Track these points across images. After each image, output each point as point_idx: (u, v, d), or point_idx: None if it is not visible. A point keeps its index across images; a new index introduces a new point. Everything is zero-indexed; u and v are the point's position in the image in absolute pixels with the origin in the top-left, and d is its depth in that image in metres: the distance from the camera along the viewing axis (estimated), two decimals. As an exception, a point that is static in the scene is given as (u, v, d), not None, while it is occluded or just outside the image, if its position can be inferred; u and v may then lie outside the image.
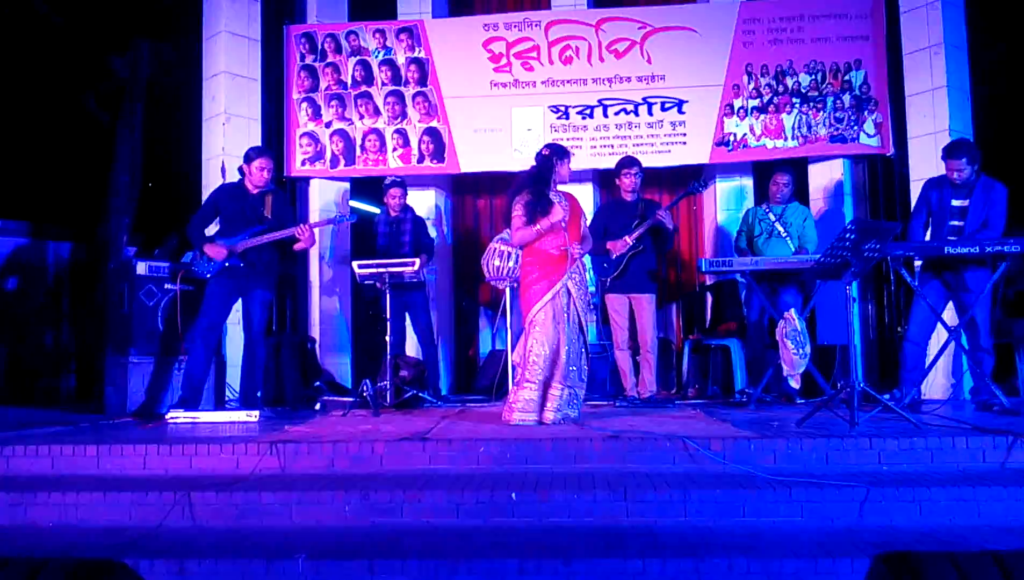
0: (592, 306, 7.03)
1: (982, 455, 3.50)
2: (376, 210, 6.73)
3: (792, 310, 4.95)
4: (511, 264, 5.61)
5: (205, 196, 6.46)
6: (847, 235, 4.09)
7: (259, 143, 6.61)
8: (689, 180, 5.87)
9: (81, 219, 9.28)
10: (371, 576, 2.78)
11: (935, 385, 5.72)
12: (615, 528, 3.08)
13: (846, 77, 6.53)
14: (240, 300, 5.35)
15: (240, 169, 5.40)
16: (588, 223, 5.88)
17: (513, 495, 3.23)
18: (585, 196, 7.24)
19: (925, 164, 6.05)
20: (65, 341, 8.72)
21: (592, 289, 5.62)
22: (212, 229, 5.37)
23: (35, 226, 8.92)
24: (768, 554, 2.74)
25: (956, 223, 5.09)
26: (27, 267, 8.78)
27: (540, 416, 4.46)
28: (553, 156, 4.69)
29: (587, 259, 5.69)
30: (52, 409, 6.46)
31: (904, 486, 3.16)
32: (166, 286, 5.80)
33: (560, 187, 4.78)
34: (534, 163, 4.72)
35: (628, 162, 5.83)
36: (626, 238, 5.61)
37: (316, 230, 5.51)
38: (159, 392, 5.61)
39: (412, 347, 6.54)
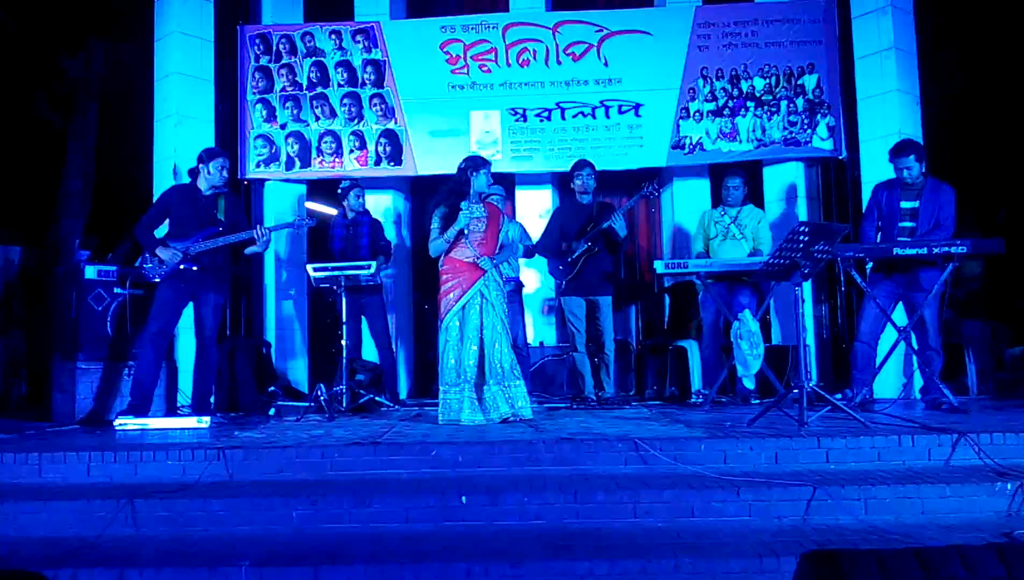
0: (547, 306, 7.06)
1: (928, 453, 3.56)
2: (333, 212, 6.67)
3: (746, 311, 5.00)
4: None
5: (156, 198, 6.36)
6: (797, 237, 4.13)
7: (212, 144, 6.51)
8: (645, 181, 5.90)
9: (32, 223, 9.08)
10: (316, 583, 2.74)
11: (886, 384, 5.80)
12: (565, 530, 3.08)
13: (799, 81, 6.62)
14: (192, 304, 5.25)
15: (192, 170, 5.31)
16: (545, 225, 5.92)
17: (463, 499, 3.21)
18: (543, 199, 7.25)
19: (877, 167, 6.13)
20: (16, 347, 8.52)
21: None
22: (160, 232, 5.27)
23: (-15, 230, 8.71)
24: (715, 554, 2.75)
25: (907, 224, 5.16)
26: (-25, 272, 8.57)
27: (474, 415, 4.66)
28: (468, 168, 4.87)
29: (540, 261, 5.75)
30: (1, 417, 6.28)
31: (850, 484, 3.19)
32: (115, 290, 5.68)
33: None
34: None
35: (580, 165, 5.86)
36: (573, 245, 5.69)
37: (271, 233, 5.44)
38: (108, 398, 5.48)
39: (372, 351, 6.48)
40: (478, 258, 4.77)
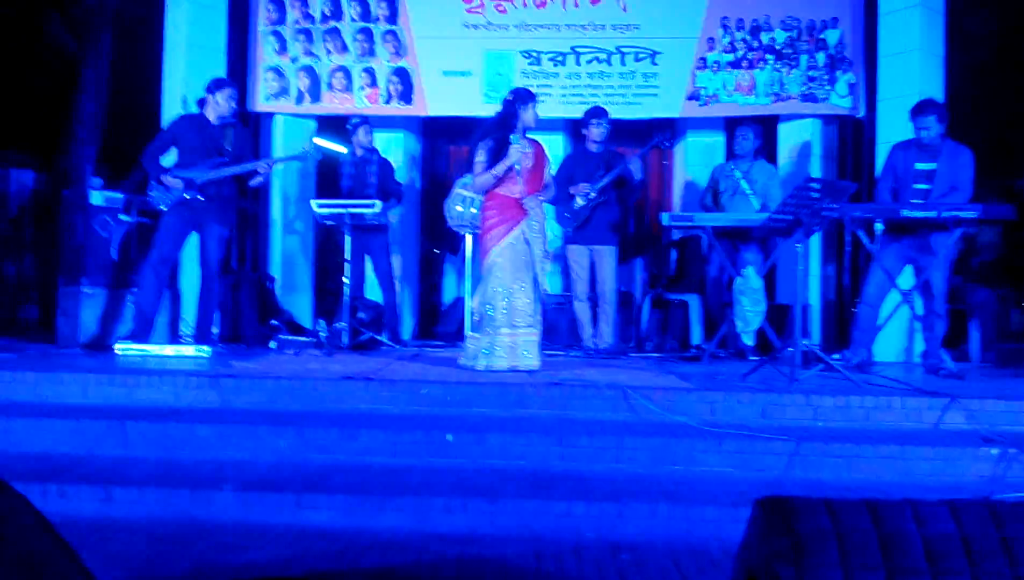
0: (551, 255, 7.03)
1: (917, 415, 3.55)
2: (343, 149, 6.62)
3: (750, 268, 4.97)
4: (473, 210, 5.55)
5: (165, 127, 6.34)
6: (802, 193, 4.08)
7: (222, 75, 6.45)
8: (659, 134, 5.82)
9: (45, 148, 9.09)
10: (297, 510, 2.80)
11: (889, 348, 5.77)
12: (547, 472, 3.11)
13: (822, 35, 6.45)
14: (197, 235, 5.27)
15: (200, 100, 5.27)
16: (553, 172, 5.84)
17: (449, 436, 3.24)
18: (554, 145, 7.15)
19: (894, 127, 5.99)
20: (27, 271, 8.60)
21: (551, 238, 5.58)
22: (168, 161, 5.27)
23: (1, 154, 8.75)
24: (691, 501, 2.78)
25: (922, 186, 5.07)
26: (-13, 194, 8.63)
27: (494, 361, 4.43)
28: (517, 101, 4.63)
29: (547, 208, 5.63)
30: (9, 338, 6.37)
31: (835, 442, 3.20)
32: (121, 217, 5.70)
33: (530, 134, 4.74)
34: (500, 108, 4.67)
35: (596, 112, 5.77)
36: (583, 186, 5.57)
37: (275, 166, 5.41)
38: (111, 324, 5.54)
39: (375, 290, 6.49)
40: (525, 196, 4.56)
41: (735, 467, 3.12)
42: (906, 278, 5.21)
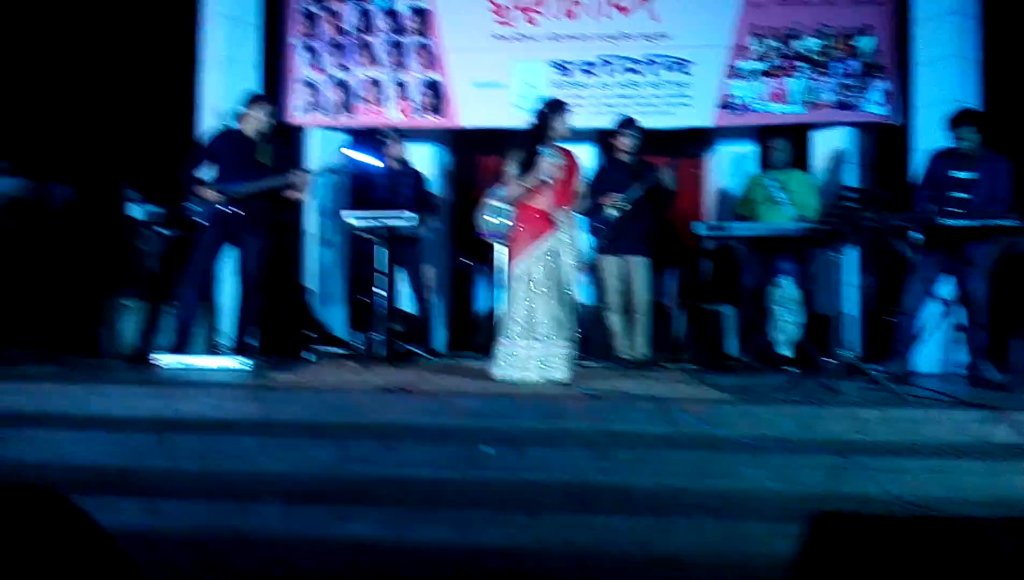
0: (584, 266, 7.02)
1: (963, 428, 3.49)
2: (376, 162, 6.68)
3: (788, 278, 4.93)
4: (505, 221, 5.56)
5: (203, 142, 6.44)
6: (841, 203, 4.05)
7: (257, 89, 6.53)
8: (690, 144, 5.80)
9: (85, 163, 9.25)
10: (341, 523, 2.82)
11: (929, 358, 5.68)
12: (587, 485, 3.10)
13: (855, 43, 6.39)
14: (234, 247, 5.34)
15: (237, 114, 5.35)
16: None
17: (490, 450, 3.24)
18: (585, 156, 7.15)
19: (931, 135, 5.92)
20: (64, 284, 8.75)
21: (577, 250, 5.56)
22: (208, 174, 5.34)
23: (38, 168, 8.90)
24: (735, 516, 2.75)
25: (960, 196, 5.02)
26: (28, 209, 8.79)
27: (524, 373, 4.45)
28: (549, 111, 4.64)
29: (581, 219, 5.63)
30: (48, 351, 6.48)
31: (880, 456, 3.16)
32: (161, 231, 5.79)
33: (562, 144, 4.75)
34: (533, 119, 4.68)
35: (626, 122, 5.77)
36: (614, 197, 5.55)
37: (310, 179, 5.47)
38: (151, 336, 5.62)
39: (410, 301, 6.52)
40: (555, 208, 4.57)
41: (778, 481, 3.09)
42: (946, 288, 5.14)
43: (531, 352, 4.47)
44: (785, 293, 4.80)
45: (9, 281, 8.25)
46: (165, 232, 5.78)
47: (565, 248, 4.58)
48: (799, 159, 5.99)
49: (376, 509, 2.82)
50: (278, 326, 6.26)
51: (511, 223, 4.74)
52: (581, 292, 7.09)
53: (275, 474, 3.21)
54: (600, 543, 2.68)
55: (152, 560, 2.60)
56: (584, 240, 6.63)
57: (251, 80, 6.60)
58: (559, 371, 4.50)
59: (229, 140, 5.33)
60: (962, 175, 5.01)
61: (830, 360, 4.23)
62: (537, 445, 3.29)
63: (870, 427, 3.50)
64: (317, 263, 7.12)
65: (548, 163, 4.52)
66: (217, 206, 5.12)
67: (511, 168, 4.62)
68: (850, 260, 6.28)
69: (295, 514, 2.83)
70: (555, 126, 4.62)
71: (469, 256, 7.89)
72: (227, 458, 3.31)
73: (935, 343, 5.62)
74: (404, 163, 6.28)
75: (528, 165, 4.56)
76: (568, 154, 4.74)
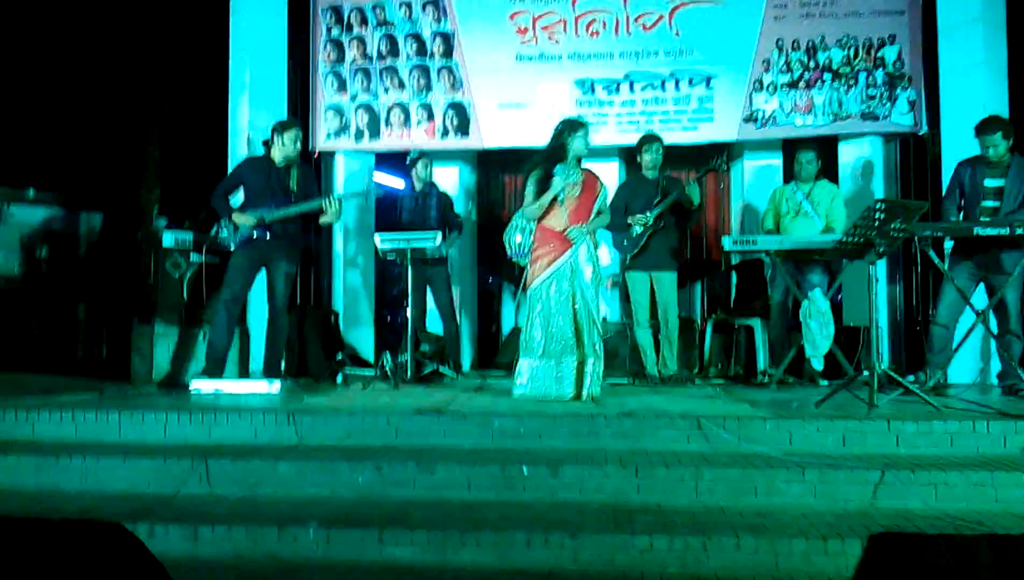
0: (611, 281, 7.01)
1: (1003, 440, 3.45)
2: (401, 184, 6.73)
3: (817, 290, 4.89)
4: (530, 240, 5.59)
5: (231, 169, 6.52)
6: (872, 214, 4.02)
7: (285, 116, 6.63)
8: (715, 157, 5.80)
9: (112, 190, 9.39)
10: (380, 545, 2.82)
11: (962, 369, 5.61)
12: (624, 505, 3.08)
13: (879, 53, 6.37)
14: (264, 272, 5.40)
15: (266, 141, 5.42)
16: (610, 199, 5.83)
17: (524, 470, 3.24)
18: (610, 172, 7.16)
19: (959, 143, 5.88)
20: (96, 310, 8.85)
21: (609, 265, 5.57)
22: (237, 200, 5.41)
23: (67, 196, 9.05)
24: (778, 534, 2.72)
25: (990, 204, 4.98)
26: (60, 237, 8.92)
27: (548, 390, 4.50)
28: (566, 130, 4.68)
29: (604, 234, 5.63)
30: (81, 377, 6.57)
31: (920, 469, 3.12)
32: (191, 257, 5.86)
33: (586, 163, 4.77)
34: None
35: (649, 139, 5.79)
36: (639, 217, 5.56)
37: (341, 204, 5.52)
38: (184, 361, 5.68)
39: (436, 322, 6.55)
40: (568, 227, 4.59)
41: (818, 497, 3.06)
42: (978, 297, 5.08)
43: (547, 370, 4.52)
44: (815, 306, 4.75)
45: (41, 308, 8.39)
46: (196, 257, 5.84)
47: (582, 267, 4.60)
48: (825, 170, 5.96)
49: (416, 532, 2.82)
50: (307, 349, 6.31)
51: (533, 242, 4.77)
52: (607, 308, 7.12)
53: (313, 498, 3.23)
54: (642, 564, 2.67)
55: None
56: (609, 256, 6.66)
57: (279, 107, 6.70)
58: (588, 387, 4.51)
59: (258, 166, 5.40)
60: (991, 183, 4.96)
61: (864, 372, 4.19)
62: (572, 464, 3.28)
63: (907, 440, 3.47)
64: (343, 286, 7.17)
65: (560, 183, 4.56)
66: (248, 232, 5.18)
67: (530, 188, 4.68)
68: (880, 271, 6.24)
69: (335, 538, 2.84)
70: (573, 145, 4.65)
71: (495, 274, 7.93)
72: (265, 483, 3.33)
73: (968, 353, 5.55)
74: (430, 184, 6.33)
75: (545, 184, 4.61)
76: (588, 173, 4.76)
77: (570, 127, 4.69)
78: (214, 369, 5.20)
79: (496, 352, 7.50)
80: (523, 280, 4.80)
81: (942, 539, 1.30)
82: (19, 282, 8.61)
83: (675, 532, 2.76)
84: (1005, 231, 4.59)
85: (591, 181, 4.75)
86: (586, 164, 7.04)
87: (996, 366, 5.24)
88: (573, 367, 4.52)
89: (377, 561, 2.77)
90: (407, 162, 6.35)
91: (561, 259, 4.57)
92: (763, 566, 2.65)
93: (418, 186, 6.28)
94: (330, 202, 5.32)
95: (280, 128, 5.36)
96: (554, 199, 4.59)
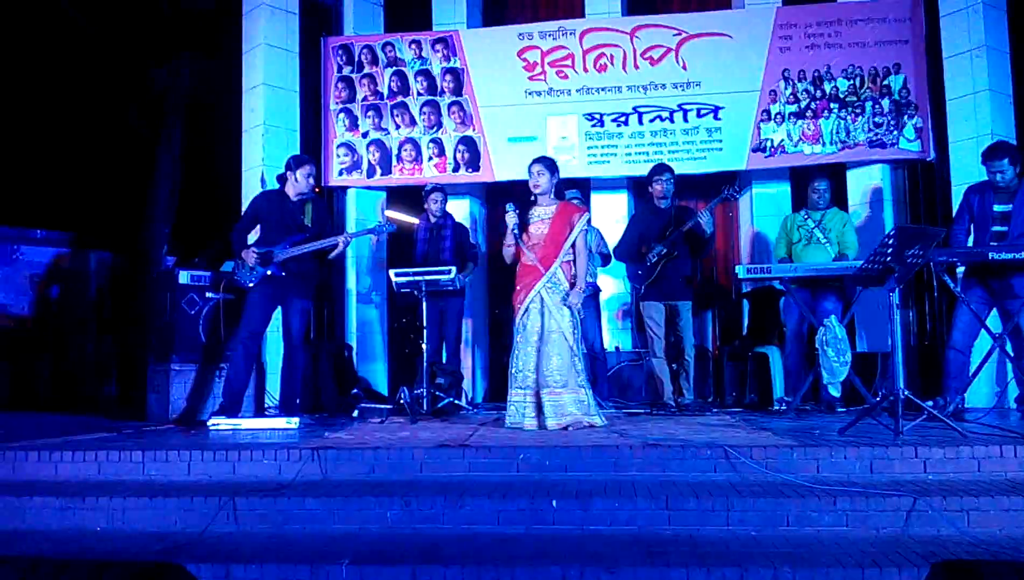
0: (620, 311, 7.03)
1: (1032, 464, 3.43)
2: (413, 220, 6.78)
3: (832, 317, 4.91)
4: None
5: (245, 205, 6.57)
6: (890, 241, 4.05)
7: (298, 152, 6.70)
8: (724, 187, 5.85)
9: (122, 229, 9.45)
10: (414, 582, 2.80)
11: (979, 393, 5.61)
12: (657, 537, 3.07)
13: (885, 82, 6.46)
14: (280, 308, 5.41)
15: (280, 177, 5.47)
16: (622, 231, 5.89)
17: (554, 503, 3.23)
18: (619, 204, 7.25)
19: (966, 169, 5.96)
20: (107, 349, 8.87)
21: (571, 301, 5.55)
22: (252, 237, 5.45)
23: (77, 236, 9.11)
24: (813, 564, 2.71)
25: (999, 229, 5.01)
26: (70, 276, 8.97)
27: (539, 422, 4.62)
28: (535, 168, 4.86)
29: (619, 266, 5.65)
30: (95, 416, 6.57)
31: (951, 495, 3.10)
32: (207, 295, 5.89)
33: (596, 195, 4.84)
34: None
35: (660, 169, 5.83)
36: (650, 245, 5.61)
37: (353, 241, 5.56)
38: (201, 399, 5.69)
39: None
40: (536, 261, 4.71)
41: (851, 526, 3.05)
42: (992, 321, 5.10)
43: (516, 399, 4.71)
44: (832, 332, 4.76)
45: (53, 348, 8.40)
46: (212, 295, 5.86)
47: (555, 300, 4.68)
48: (834, 197, 6.01)
49: (450, 568, 2.81)
50: (321, 384, 6.31)
51: None
52: (614, 338, 7.14)
53: (342, 534, 3.22)
54: (679, 596, 2.65)
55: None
56: (622, 286, 6.69)
57: (292, 144, 6.78)
58: (585, 414, 4.64)
59: (272, 200, 5.43)
60: (998, 208, 5.01)
61: (884, 398, 4.19)
62: (601, 496, 3.27)
63: (935, 466, 3.46)
64: (356, 320, 7.20)
65: (511, 218, 4.77)
66: (264, 269, 5.20)
67: (511, 217, 4.83)
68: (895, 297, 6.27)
69: (369, 575, 2.82)
70: (537, 182, 4.80)
71: (506, 306, 7.94)
72: (293, 520, 3.32)
73: (985, 377, 5.55)
74: (446, 216, 6.36)
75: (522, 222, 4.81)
76: (562, 205, 4.87)
77: (539, 164, 4.88)
78: (231, 406, 5.20)
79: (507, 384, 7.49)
80: None
81: (1010, 566, 1.31)
82: (30, 322, 8.65)
83: (710, 563, 2.75)
84: (1021, 256, 4.62)
85: (563, 213, 4.82)
86: (596, 195, 7.17)
87: (1014, 390, 5.24)
88: (561, 397, 4.64)
89: (412, 598, 2.75)
90: (423, 193, 6.38)
91: (531, 294, 4.71)
92: (801, 596, 2.63)
93: (432, 219, 6.32)
94: (344, 239, 5.36)
95: (294, 164, 5.40)
96: (522, 235, 4.78)
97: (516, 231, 4.78)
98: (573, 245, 4.77)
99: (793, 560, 2.76)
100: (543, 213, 4.81)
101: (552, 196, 4.86)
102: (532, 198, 4.88)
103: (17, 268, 8.89)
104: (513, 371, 4.77)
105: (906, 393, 3.97)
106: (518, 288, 4.80)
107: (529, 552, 2.95)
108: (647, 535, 3.10)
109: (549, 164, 4.89)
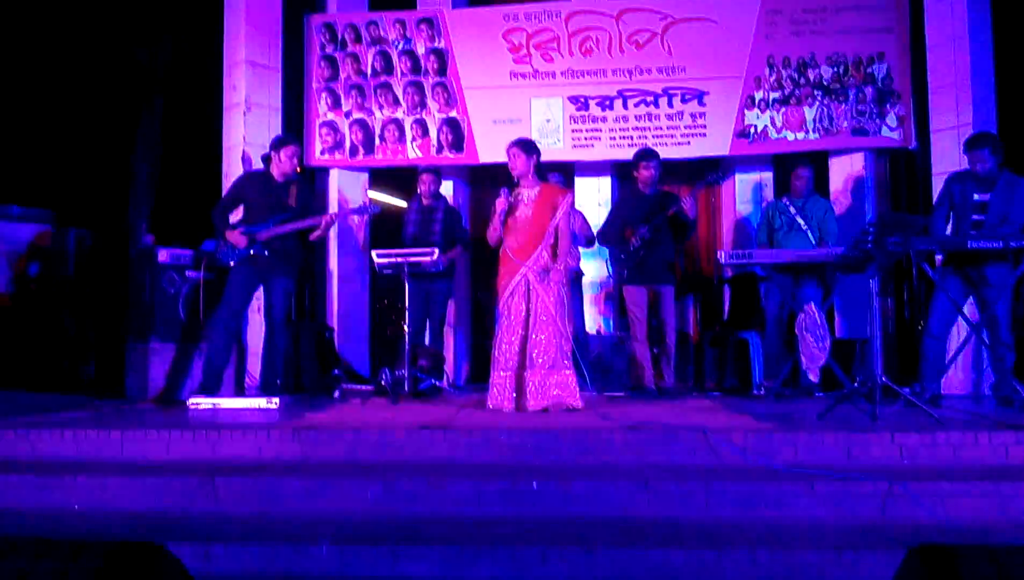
0: (604, 294, 7.05)
1: (1005, 451, 3.48)
2: (397, 202, 6.75)
3: (812, 303, 4.95)
4: None
5: (225, 184, 6.53)
6: (872, 229, 4.08)
7: (279, 132, 6.64)
8: (707, 172, 5.87)
9: (102, 207, 9.34)
10: (394, 562, 2.81)
11: (955, 380, 5.69)
12: (636, 519, 3.09)
13: (869, 69, 6.49)
14: (261, 288, 5.39)
15: (265, 157, 5.43)
16: (605, 214, 5.89)
17: (534, 484, 3.24)
18: (603, 187, 7.24)
19: (947, 158, 6.00)
20: (85, 328, 8.78)
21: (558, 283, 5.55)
22: (235, 217, 5.41)
23: (57, 214, 8.99)
24: (790, 547, 2.74)
25: (978, 217, 5.06)
26: (48, 254, 8.85)
27: (517, 404, 4.66)
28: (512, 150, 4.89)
29: (601, 249, 5.64)
30: (73, 394, 6.51)
31: (927, 480, 3.15)
32: (187, 274, 5.83)
33: (579, 178, 4.83)
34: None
35: (646, 154, 5.81)
36: (643, 227, 5.59)
37: (335, 221, 5.53)
38: (179, 378, 5.66)
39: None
40: (517, 245, 4.73)
41: (828, 509, 3.08)
42: (968, 309, 5.16)
43: (508, 382, 4.70)
44: (812, 318, 4.80)
45: (31, 325, 8.31)
46: (192, 274, 5.81)
47: (538, 279, 4.69)
48: (816, 184, 6.04)
49: (430, 548, 2.82)
50: (302, 365, 6.29)
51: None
52: (600, 322, 7.16)
53: (323, 514, 3.21)
54: (659, 577, 2.67)
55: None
56: (605, 269, 6.69)
57: (274, 124, 6.71)
58: (567, 396, 4.65)
59: (257, 181, 5.40)
60: (978, 197, 5.05)
61: (861, 384, 4.24)
62: (582, 478, 3.29)
63: (911, 452, 3.50)
64: (338, 301, 7.17)
65: (499, 200, 4.80)
66: (246, 248, 5.17)
67: (501, 197, 4.85)
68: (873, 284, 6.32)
69: (348, 555, 2.83)
70: (513, 164, 4.83)
71: (488, 289, 7.94)
72: (273, 500, 3.31)
73: (961, 365, 5.63)
74: (438, 198, 6.31)
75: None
76: (545, 187, 4.87)
77: (518, 147, 4.89)
78: (211, 385, 5.18)
79: (489, 365, 7.50)
80: None
81: (984, 550, 1.33)
82: (7, 299, 8.53)
83: (689, 546, 2.78)
84: (999, 245, 4.67)
85: (547, 196, 4.82)
86: (580, 179, 7.16)
87: (989, 377, 5.31)
88: (547, 379, 4.66)
89: (392, 577, 2.76)
90: (417, 174, 6.32)
91: (516, 277, 4.71)
92: (777, 578, 2.67)
93: (424, 201, 6.27)
94: (328, 218, 5.35)
95: (277, 144, 5.37)
96: (505, 216, 4.77)
97: (504, 218, 4.77)
98: (556, 227, 4.77)
99: (770, 543, 2.79)
100: (526, 195, 4.82)
101: (534, 177, 4.85)
102: (515, 181, 4.87)
103: (-8, 245, 8.76)
104: (496, 354, 4.77)
105: (883, 379, 4.01)
106: (502, 271, 4.80)
107: (509, 533, 2.97)
108: (627, 517, 3.12)
109: (524, 145, 4.88)
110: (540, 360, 4.65)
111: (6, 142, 9.14)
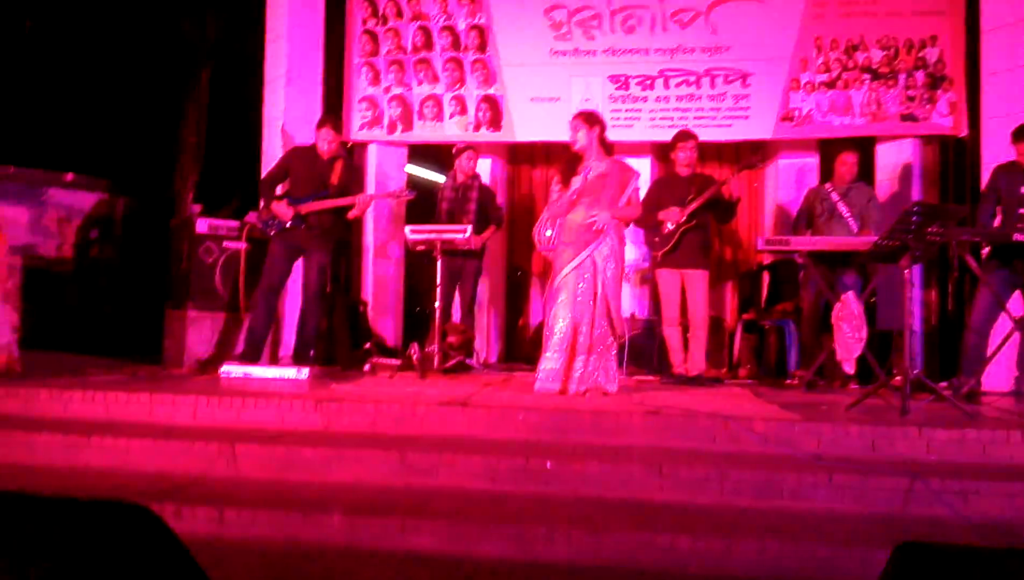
0: (640, 277, 6.97)
1: (1039, 450, 3.37)
2: (436, 178, 6.74)
3: (850, 293, 4.82)
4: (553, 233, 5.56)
5: (265, 157, 6.61)
6: (909, 218, 3.95)
7: (319, 106, 6.68)
8: (750, 156, 5.74)
9: (150, 177, 9.54)
10: (402, 534, 2.83)
11: (998, 376, 5.51)
12: (648, 503, 3.06)
13: (920, 53, 6.26)
14: (301, 260, 5.48)
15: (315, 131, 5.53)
16: (642, 196, 5.79)
17: (548, 464, 3.23)
18: (641, 169, 7.12)
19: (999, 147, 5.77)
20: (130, 293, 9.01)
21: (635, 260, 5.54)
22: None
23: (110, 182, 9.23)
24: (800, 538, 2.70)
25: (1024, 210, 4.88)
26: (96, 221, 9.09)
27: (563, 386, 4.48)
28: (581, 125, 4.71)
29: (635, 231, 5.57)
30: (114, 358, 6.68)
31: (951, 477, 3.06)
32: (224, 244, 5.93)
33: (624, 158, 4.77)
34: None
35: (684, 136, 5.70)
36: (677, 209, 5.48)
37: (372, 201, 5.59)
38: (216, 346, 5.77)
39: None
40: (586, 218, 4.54)
41: (846, 502, 3.02)
42: (1014, 304, 4.99)
43: (551, 365, 4.52)
44: (848, 308, 4.68)
45: (77, 290, 8.55)
46: (230, 244, 5.91)
47: (604, 261, 4.55)
48: (861, 171, 5.88)
49: (438, 522, 2.83)
50: (335, 337, 6.36)
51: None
52: (635, 305, 7.10)
53: (338, 484, 3.25)
54: (664, 562, 2.65)
55: (220, 570, 2.65)
56: (638, 253, 6.62)
57: (314, 97, 6.76)
58: (605, 382, 4.55)
59: (302, 157, 5.51)
60: None
61: (896, 377, 4.13)
62: (596, 460, 3.27)
63: (938, 447, 3.41)
64: (372, 276, 7.22)
65: (581, 177, 4.60)
66: (288, 221, 5.27)
67: (554, 185, 4.71)
68: (916, 275, 6.14)
69: (359, 525, 2.86)
70: (574, 138, 4.67)
71: (524, 268, 7.93)
72: (291, 468, 3.36)
73: (1003, 361, 5.45)
74: (473, 177, 6.29)
75: (567, 178, 4.64)
76: (614, 163, 4.73)
77: (584, 121, 4.72)
78: (251, 354, 5.31)
79: (523, 345, 7.50)
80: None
81: (971, 550, 1.28)
82: (55, 264, 8.78)
83: (699, 533, 2.74)
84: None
85: (616, 172, 4.69)
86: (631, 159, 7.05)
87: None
88: (602, 362, 4.55)
89: (398, 550, 2.78)
90: (453, 152, 6.32)
91: (585, 253, 4.53)
92: (786, 571, 2.62)
93: (460, 178, 6.26)
94: (362, 200, 5.41)
95: (318, 125, 5.49)
96: (575, 192, 4.59)
97: (550, 233, 4.66)
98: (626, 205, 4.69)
99: (781, 533, 2.75)
100: (594, 169, 4.64)
101: (600, 150, 4.69)
102: (574, 157, 4.71)
103: (46, 210, 9.01)
104: (548, 334, 4.58)
105: (916, 373, 3.91)
106: (563, 248, 4.62)
107: (519, 510, 2.97)
108: (638, 501, 3.09)
109: (585, 116, 4.74)
110: (592, 344, 4.51)
111: (67, 112, 9.38)
